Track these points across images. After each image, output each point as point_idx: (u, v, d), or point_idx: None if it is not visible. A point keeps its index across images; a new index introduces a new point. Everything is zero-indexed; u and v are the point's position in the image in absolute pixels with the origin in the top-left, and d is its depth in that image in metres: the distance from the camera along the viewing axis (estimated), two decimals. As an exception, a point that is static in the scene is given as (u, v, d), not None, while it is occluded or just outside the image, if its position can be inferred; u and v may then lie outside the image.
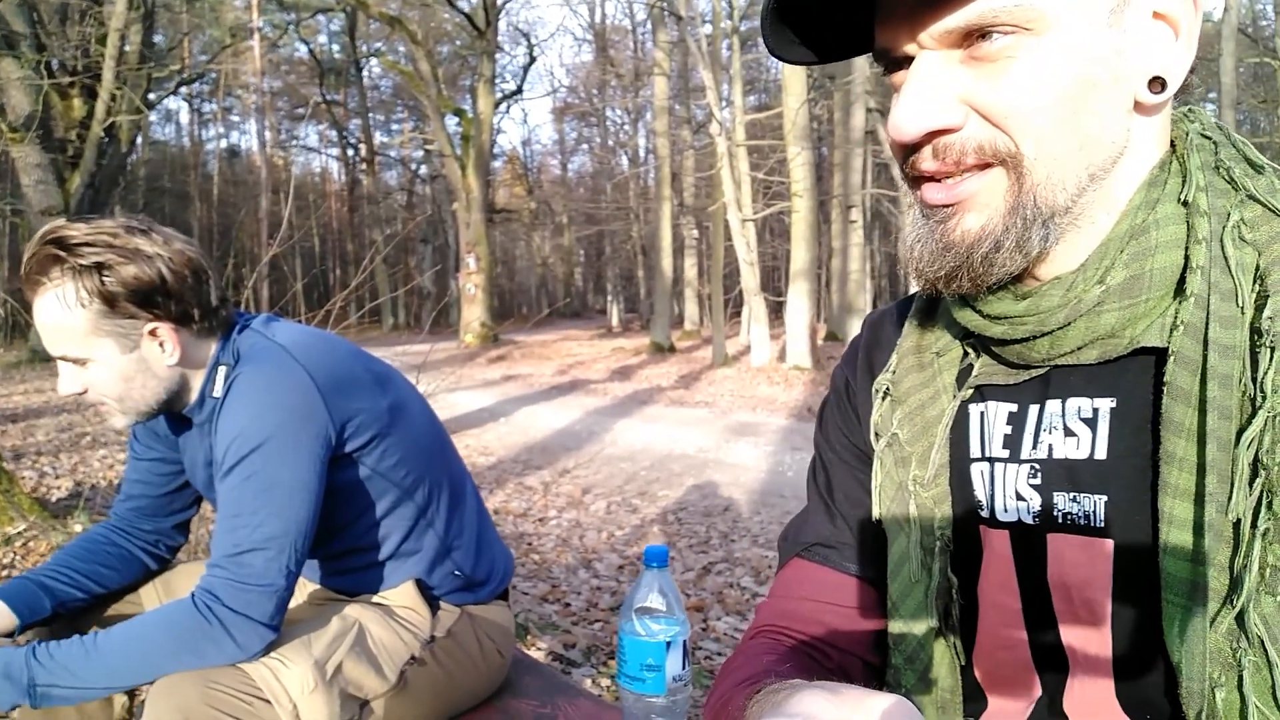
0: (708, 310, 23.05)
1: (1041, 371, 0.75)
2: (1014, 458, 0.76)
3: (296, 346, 1.46)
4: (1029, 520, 0.74)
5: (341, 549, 1.58)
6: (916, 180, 0.71)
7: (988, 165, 0.66)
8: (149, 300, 1.39)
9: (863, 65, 17.05)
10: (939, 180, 0.69)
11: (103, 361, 1.40)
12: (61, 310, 1.36)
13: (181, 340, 1.45)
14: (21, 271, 1.38)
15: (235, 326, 1.52)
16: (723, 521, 5.27)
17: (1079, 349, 0.70)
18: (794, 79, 13.60)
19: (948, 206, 0.68)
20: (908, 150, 0.69)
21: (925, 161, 0.68)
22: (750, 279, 14.65)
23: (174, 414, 1.53)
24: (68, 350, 1.39)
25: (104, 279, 1.35)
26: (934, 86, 0.65)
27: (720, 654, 3.20)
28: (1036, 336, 0.71)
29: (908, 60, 0.68)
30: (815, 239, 14.77)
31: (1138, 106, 0.67)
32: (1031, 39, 0.63)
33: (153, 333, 1.42)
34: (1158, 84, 0.66)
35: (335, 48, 35.16)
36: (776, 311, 16.93)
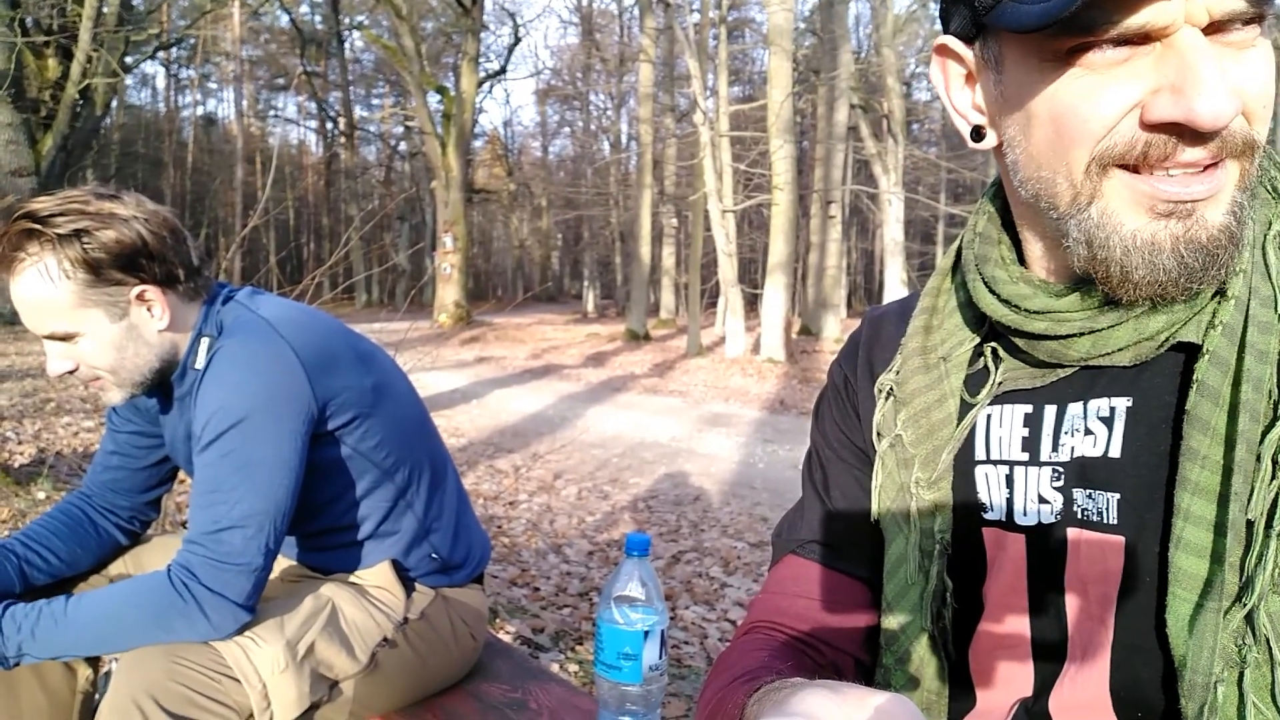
0: (684, 300, 23.08)
1: (1069, 372, 0.74)
2: (1034, 460, 0.75)
3: (281, 321, 1.44)
4: (1050, 520, 0.74)
5: (319, 528, 1.56)
6: (1130, 170, 0.64)
7: (1217, 162, 0.62)
8: (133, 264, 1.36)
9: (847, 61, 17.10)
10: (1175, 171, 0.63)
11: (92, 334, 1.37)
12: (45, 285, 1.32)
13: (169, 303, 1.42)
14: (6, 252, 1.32)
15: (218, 297, 1.50)
16: (693, 511, 5.28)
17: (1119, 350, 0.70)
18: (779, 72, 13.59)
19: (1188, 203, 0.63)
20: (1129, 138, 0.63)
21: (1188, 152, 0.62)
22: (728, 270, 14.67)
23: (162, 386, 1.50)
24: (55, 326, 1.35)
25: (85, 246, 1.31)
26: (1225, 72, 0.60)
27: (688, 643, 3.21)
28: (1081, 335, 0.71)
29: (1141, 36, 0.61)
30: (794, 233, 14.80)
31: None
32: (1257, 30, 0.61)
33: (140, 296, 1.39)
34: None
35: (317, 19, 34.74)
36: (752, 304, 16.98)
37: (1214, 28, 0.60)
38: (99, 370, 1.40)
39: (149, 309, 1.40)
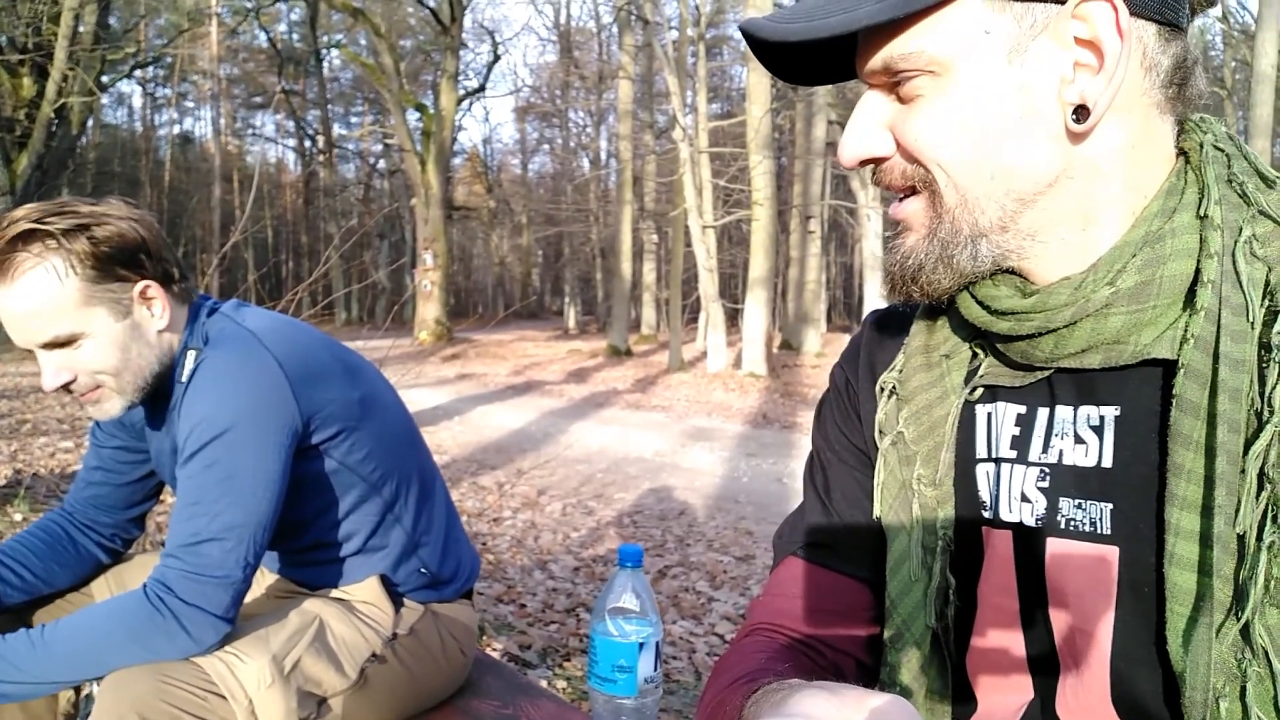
0: (665, 315, 23.10)
1: (1046, 374, 0.75)
2: (1022, 459, 0.76)
3: (266, 333, 1.42)
4: (1031, 523, 0.75)
5: (306, 543, 1.54)
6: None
7: (914, 190, 0.73)
8: (134, 260, 1.36)
9: (826, 77, 17.22)
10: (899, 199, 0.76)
11: (98, 333, 1.35)
12: (51, 284, 1.30)
13: (168, 302, 1.42)
14: (5, 259, 1.28)
15: (202, 309, 1.48)
16: (678, 525, 5.26)
17: (1083, 352, 0.71)
18: (759, 88, 13.68)
19: (898, 223, 0.76)
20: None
21: (874, 180, 0.77)
22: (709, 285, 14.70)
23: (152, 398, 1.47)
24: (59, 329, 1.32)
25: (91, 239, 1.31)
26: (868, 119, 0.73)
27: (676, 658, 3.19)
28: (1042, 334, 0.72)
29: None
30: (774, 248, 14.87)
31: (1073, 134, 0.68)
32: (936, 80, 0.68)
33: (143, 294, 1.38)
34: (1084, 112, 0.66)
35: (295, 37, 34.64)
36: (733, 319, 17.02)
37: (885, 83, 0.72)
38: (103, 374, 1.37)
39: (149, 307, 1.40)
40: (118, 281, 1.35)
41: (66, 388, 1.37)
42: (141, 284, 1.38)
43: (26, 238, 1.28)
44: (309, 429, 1.42)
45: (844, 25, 0.66)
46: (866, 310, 17.14)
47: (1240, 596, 0.62)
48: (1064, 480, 0.73)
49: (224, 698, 1.29)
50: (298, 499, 1.44)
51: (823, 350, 17.66)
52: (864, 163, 0.74)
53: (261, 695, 1.32)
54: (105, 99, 24.67)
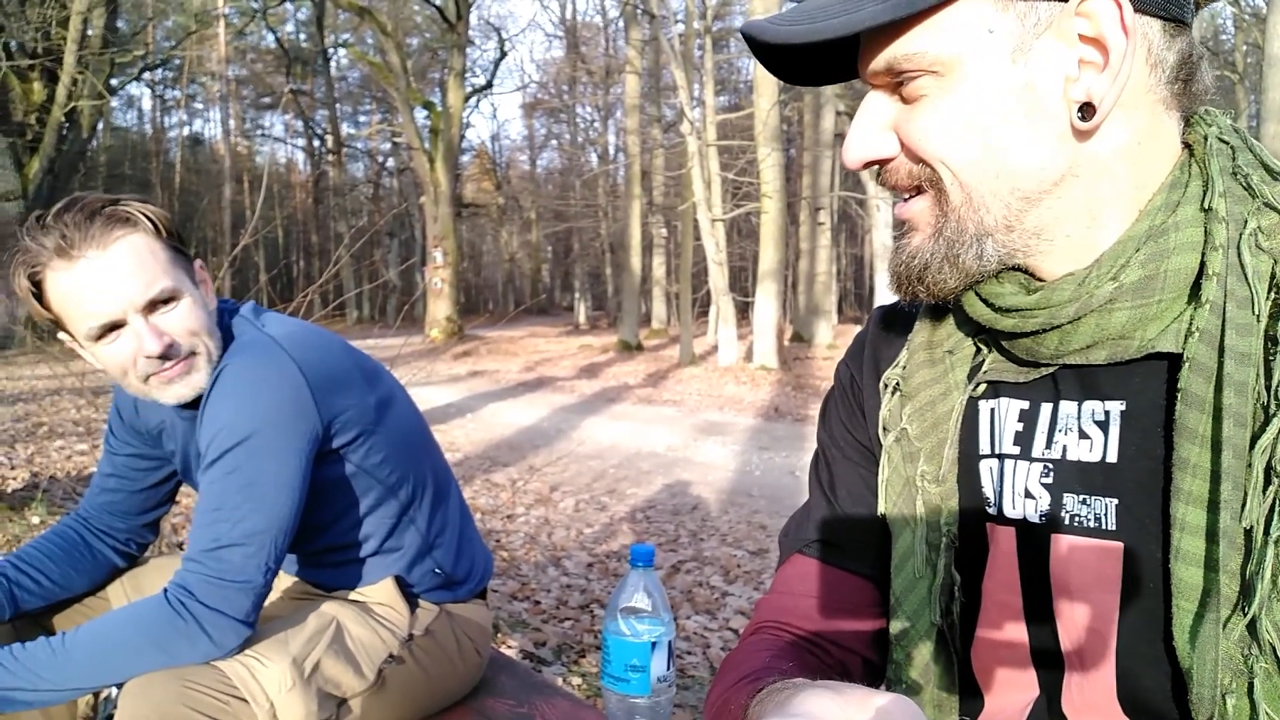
0: (675, 309, 23.09)
1: (1050, 370, 0.75)
2: (1025, 455, 0.76)
3: (288, 339, 1.44)
4: (1035, 519, 0.75)
5: (323, 546, 1.55)
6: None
7: (920, 189, 0.73)
8: (184, 240, 1.43)
9: (833, 68, 17.14)
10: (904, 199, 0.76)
11: (189, 294, 1.39)
12: (151, 243, 1.35)
13: (212, 285, 1.48)
14: (95, 228, 1.29)
15: (223, 313, 1.49)
16: (691, 520, 5.27)
17: (1088, 347, 0.71)
18: (766, 80, 13.63)
19: (903, 223, 0.76)
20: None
21: (879, 180, 0.77)
22: (719, 279, 14.68)
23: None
24: (163, 283, 1.35)
25: (162, 212, 1.38)
26: (871, 121, 0.73)
27: (690, 653, 3.21)
28: (1046, 330, 0.72)
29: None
30: (783, 240, 14.84)
31: (1078, 132, 0.68)
32: (940, 80, 0.68)
33: (200, 269, 1.45)
34: (1089, 110, 0.66)
35: (303, 37, 34.70)
36: (744, 312, 17.00)
37: (888, 83, 0.71)
38: (198, 335, 1.39)
39: (205, 287, 1.46)
40: (182, 255, 1.41)
41: (165, 355, 1.36)
42: (197, 260, 1.45)
43: (111, 206, 1.32)
44: (329, 434, 1.44)
45: (846, 27, 0.66)
46: (878, 301, 17.10)
47: (1247, 592, 0.62)
48: (1068, 476, 0.73)
49: (246, 701, 1.31)
50: (316, 503, 1.45)
51: (834, 342, 17.64)
52: (869, 164, 0.74)
53: (283, 698, 1.33)
54: (115, 102, 24.80)
